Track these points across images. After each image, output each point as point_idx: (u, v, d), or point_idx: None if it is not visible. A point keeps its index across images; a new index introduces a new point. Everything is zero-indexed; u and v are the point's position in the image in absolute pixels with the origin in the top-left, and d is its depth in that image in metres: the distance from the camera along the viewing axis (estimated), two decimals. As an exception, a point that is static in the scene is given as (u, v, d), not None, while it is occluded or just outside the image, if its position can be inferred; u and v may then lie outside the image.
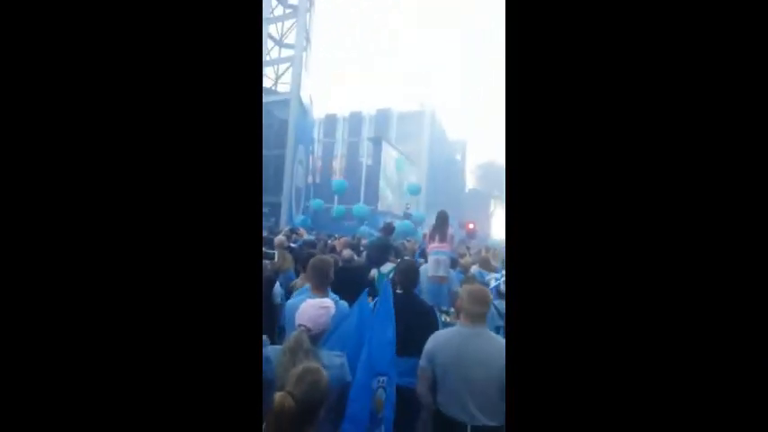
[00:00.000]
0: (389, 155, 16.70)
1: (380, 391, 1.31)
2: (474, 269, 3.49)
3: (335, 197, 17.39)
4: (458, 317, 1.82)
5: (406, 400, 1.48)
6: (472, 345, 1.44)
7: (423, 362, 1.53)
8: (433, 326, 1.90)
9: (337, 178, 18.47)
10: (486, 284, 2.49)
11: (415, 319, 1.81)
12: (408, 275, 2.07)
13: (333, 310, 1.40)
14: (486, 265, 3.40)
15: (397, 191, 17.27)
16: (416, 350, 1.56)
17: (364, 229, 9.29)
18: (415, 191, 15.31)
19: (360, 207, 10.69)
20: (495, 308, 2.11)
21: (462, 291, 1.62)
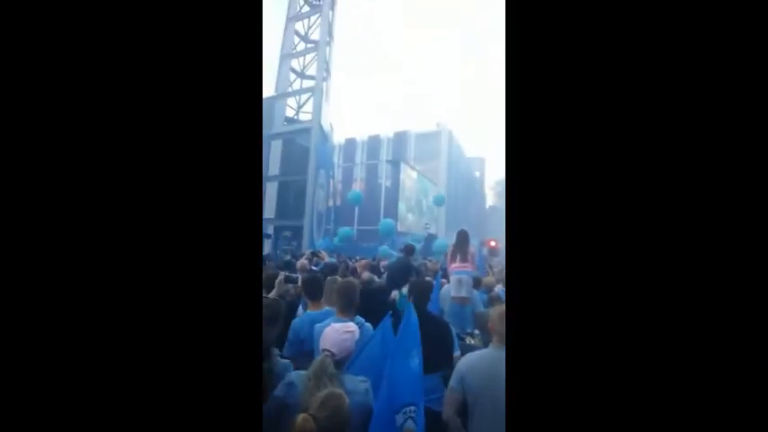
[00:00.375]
0: (409, 176, 16.85)
1: (409, 422, 1.25)
2: (498, 288, 3.38)
3: (355, 219, 17.60)
4: (489, 339, 1.77)
5: (429, 422, 1.43)
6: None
7: (453, 383, 1.47)
8: (448, 342, 1.86)
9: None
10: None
11: (430, 337, 1.77)
12: (421, 293, 2.05)
13: (357, 335, 1.39)
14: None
15: (417, 211, 17.26)
16: (434, 368, 1.50)
17: (384, 249, 9.29)
18: (440, 201, 15.32)
19: (385, 222, 10.65)
20: None
21: (493, 312, 1.56)
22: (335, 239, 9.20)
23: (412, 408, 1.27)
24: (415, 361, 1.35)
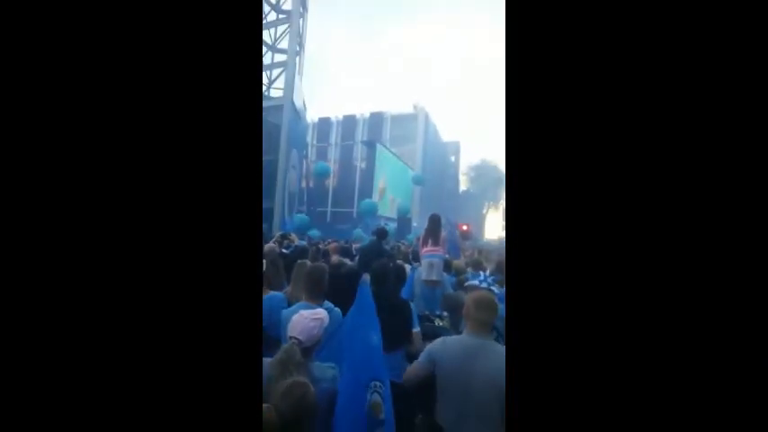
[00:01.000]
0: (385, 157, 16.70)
1: (375, 395, 1.27)
2: (470, 272, 3.49)
3: (329, 201, 17.29)
4: (459, 323, 1.81)
5: (395, 395, 1.45)
6: (479, 360, 1.39)
7: (422, 358, 1.50)
8: (406, 319, 1.90)
9: (331, 182, 18.41)
10: (477, 287, 2.49)
11: (388, 315, 1.75)
12: (384, 275, 2.07)
13: (326, 321, 1.38)
14: (477, 266, 3.40)
15: (391, 195, 17.28)
16: (394, 346, 1.53)
17: (358, 232, 9.25)
18: (419, 181, 15.32)
19: (366, 202, 10.41)
20: None
21: (468, 298, 1.57)
22: (287, 226, 8.59)
23: (378, 383, 1.29)
24: (374, 337, 1.36)
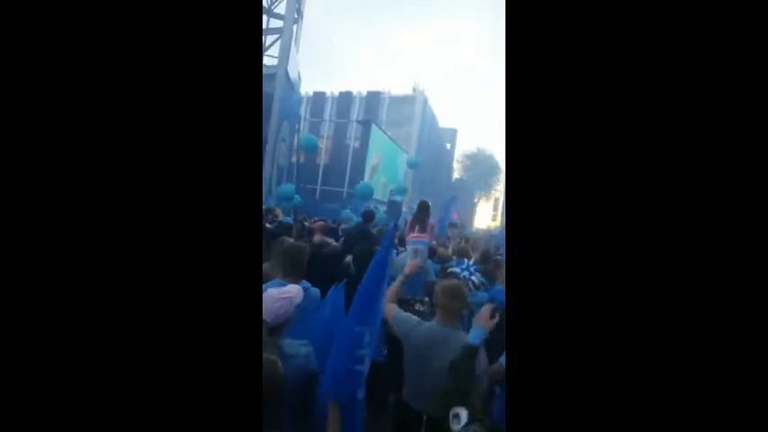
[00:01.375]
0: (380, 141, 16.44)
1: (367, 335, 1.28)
2: (454, 261, 3.49)
3: (319, 178, 17.05)
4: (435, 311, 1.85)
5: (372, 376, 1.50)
6: (441, 348, 1.44)
7: (399, 327, 1.56)
8: None
9: (322, 160, 18.09)
10: (458, 274, 2.50)
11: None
12: (362, 261, 2.14)
13: (298, 299, 1.33)
14: (462, 254, 3.42)
15: (382, 178, 17.13)
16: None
17: (347, 213, 9.14)
18: (413, 164, 15.28)
19: (364, 184, 10.12)
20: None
21: (437, 286, 1.61)
22: (274, 200, 8.04)
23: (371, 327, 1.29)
24: (383, 287, 1.39)
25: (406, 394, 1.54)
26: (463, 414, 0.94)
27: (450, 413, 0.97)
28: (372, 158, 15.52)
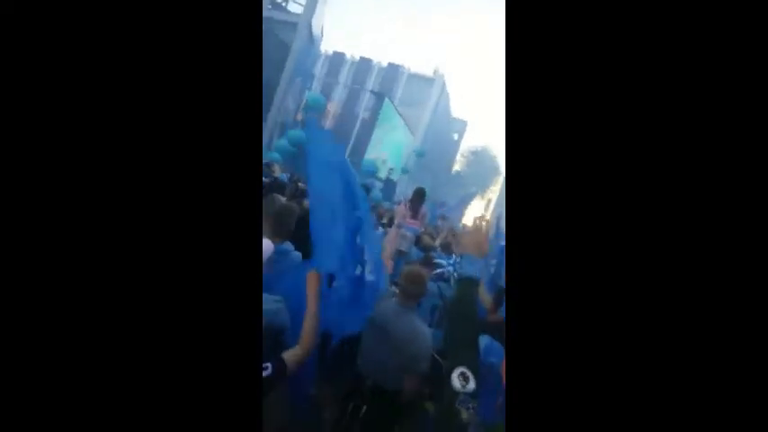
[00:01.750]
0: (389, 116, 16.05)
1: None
2: (438, 251, 3.53)
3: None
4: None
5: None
6: (398, 324, 1.64)
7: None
8: None
9: (329, 124, 17.64)
10: (438, 266, 2.64)
11: None
12: None
13: (269, 253, 1.37)
14: (446, 248, 3.46)
15: (384, 154, 16.90)
16: None
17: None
18: (421, 154, 15.27)
19: (315, 97, 9.54)
20: (439, 288, 2.42)
21: (404, 269, 1.81)
22: (285, 141, 7.12)
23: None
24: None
25: (360, 363, 1.69)
26: (470, 375, 0.94)
27: (456, 373, 0.96)
28: (377, 135, 15.20)
